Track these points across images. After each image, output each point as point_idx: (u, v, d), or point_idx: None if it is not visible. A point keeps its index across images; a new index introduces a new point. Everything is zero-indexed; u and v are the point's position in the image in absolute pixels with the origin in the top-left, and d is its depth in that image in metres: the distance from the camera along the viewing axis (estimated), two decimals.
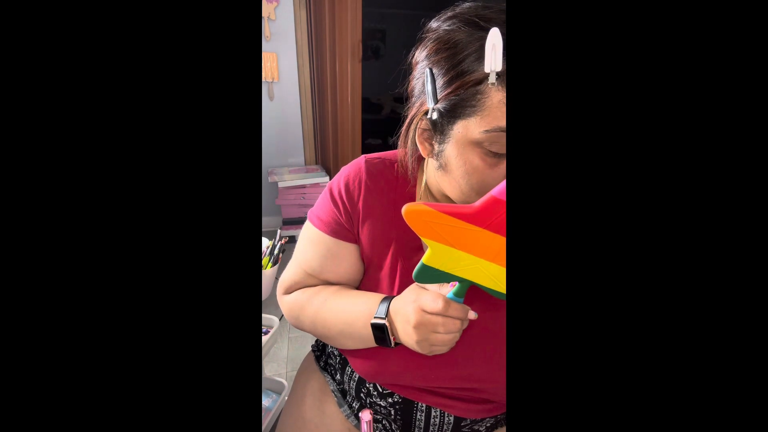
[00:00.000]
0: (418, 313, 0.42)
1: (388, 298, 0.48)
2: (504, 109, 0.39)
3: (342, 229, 0.54)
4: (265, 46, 2.06)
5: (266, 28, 2.03)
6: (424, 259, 0.41)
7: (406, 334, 0.44)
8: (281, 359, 1.43)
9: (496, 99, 0.39)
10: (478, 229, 0.39)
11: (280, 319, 1.00)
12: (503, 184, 0.37)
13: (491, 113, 0.39)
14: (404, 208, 0.39)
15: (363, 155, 0.57)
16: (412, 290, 0.45)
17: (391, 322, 0.46)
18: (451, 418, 0.53)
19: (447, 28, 0.42)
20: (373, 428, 0.48)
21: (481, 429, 0.55)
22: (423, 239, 0.40)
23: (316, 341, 0.70)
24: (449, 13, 0.43)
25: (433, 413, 0.53)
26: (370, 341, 0.49)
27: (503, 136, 0.40)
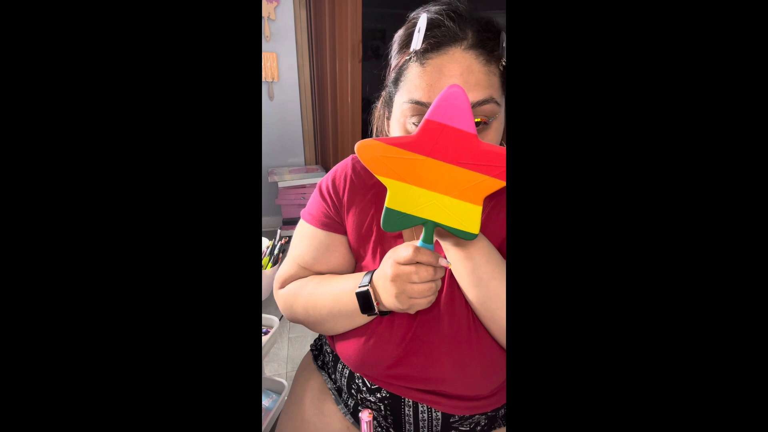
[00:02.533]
0: (393, 265, 0.43)
1: (373, 271, 0.49)
2: (417, 82, 0.42)
3: (331, 221, 0.57)
4: (265, 46, 2.06)
5: (266, 28, 2.03)
6: (386, 203, 0.42)
7: (385, 291, 0.45)
8: (281, 359, 1.43)
9: (412, 73, 0.43)
10: (424, 158, 0.41)
11: (280, 319, 1.00)
12: (434, 104, 0.39)
13: (407, 86, 0.44)
14: (357, 145, 0.41)
15: (352, 155, 0.59)
16: (390, 251, 0.46)
17: (374, 288, 0.47)
18: (439, 414, 0.53)
19: (435, 6, 0.45)
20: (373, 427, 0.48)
21: (475, 428, 0.55)
22: (379, 177, 0.42)
23: (315, 341, 0.70)
24: (431, 5, 0.46)
25: (420, 409, 0.53)
26: (358, 315, 0.49)
27: (417, 108, 0.43)
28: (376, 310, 0.48)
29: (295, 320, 0.59)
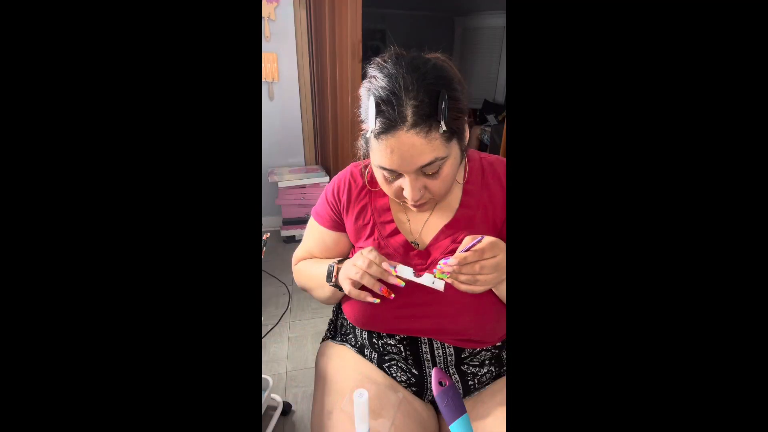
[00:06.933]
0: (357, 256, 0.59)
1: (343, 259, 0.66)
2: (378, 154, 0.54)
3: (334, 222, 0.72)
4: (265, 46, 2.06)
5: (266, 28, 2.03)
6: None
7: (341, 271, 0.63)
8: (281, 359, 1.43)
9: (374, 144, 0.54)
10: None
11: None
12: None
13: (374, 152, 0.55)
14: None
15: (352, 163, 0.74)
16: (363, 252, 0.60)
17: (337, 269, 0.64)
18: (452, 350, 0.63)
19: (383, 82, 0.53)
20: (390, 371, 0.64)
21: (482, 369, 0.64)
22: None
23: (329, 322, 0.81)
24: (387, 65, 0.54)
25: (435, 345, 0.64)
26: (325, 285, 0.67)
27: (383, 170, 0.55)
28: (333, 282, 0.64)
29: (301, 288, 0.76)
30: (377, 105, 0.52)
